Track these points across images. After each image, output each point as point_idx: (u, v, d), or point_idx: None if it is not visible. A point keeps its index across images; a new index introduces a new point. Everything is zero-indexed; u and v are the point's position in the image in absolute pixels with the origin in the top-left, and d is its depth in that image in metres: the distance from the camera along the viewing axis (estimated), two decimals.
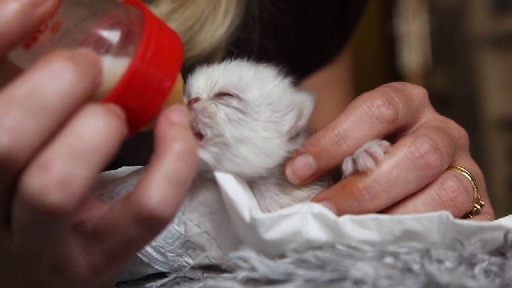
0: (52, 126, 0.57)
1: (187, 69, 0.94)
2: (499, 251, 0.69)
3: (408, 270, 0.63)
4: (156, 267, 0.75)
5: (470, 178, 0.75)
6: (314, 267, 0.64)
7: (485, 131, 3.36)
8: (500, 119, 3.34)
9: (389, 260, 0.65)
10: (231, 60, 0.78)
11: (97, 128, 0.58)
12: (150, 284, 0.74)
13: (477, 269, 0.65)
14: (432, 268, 0.63)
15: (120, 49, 0.64)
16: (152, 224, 0.60)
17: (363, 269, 0.62)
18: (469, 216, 0.76)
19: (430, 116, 0.79)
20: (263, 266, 0.65)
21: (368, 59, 3.33)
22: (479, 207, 0.76)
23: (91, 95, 0.60)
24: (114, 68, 0.63)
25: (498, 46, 3.35)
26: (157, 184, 0.59)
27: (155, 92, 0.64)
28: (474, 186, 0.75)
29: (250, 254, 0.66)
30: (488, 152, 3.34)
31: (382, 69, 3.51)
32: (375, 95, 0.74)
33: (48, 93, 0.57)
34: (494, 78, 3.36)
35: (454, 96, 3.47)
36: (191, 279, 0.74)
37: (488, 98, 3.37)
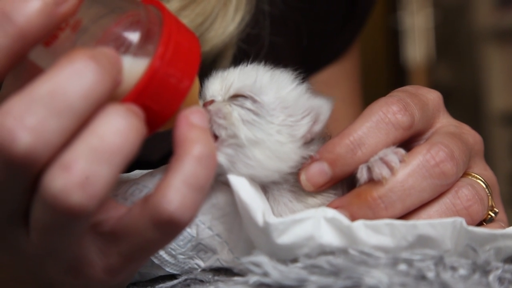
0: (74, 125, 0.57)
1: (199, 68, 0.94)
2: None
3: (422, 277, 0.63)
4: (167, 269, 0.74)
5: (484, 186, 0.75)
6: (328, 273, 0.64)
7: (488, 125, 3.36)
8: (504, 114, 3.34)
9: (403, 267, 0.64)
10: (245, 61, 0.77)
11: (119, 129, 0.58)
12: (160, 285, 0.74)
13: (491, 277, 0.65)
14: (446, 275, 0.63)
15: (140, 49, 0.63)
16: (170, 227, 0.60)
17: (377, 276, 0.62)
18: (483, 224, 0.75)
19: (445, 121, 0.78)
20: (275, 271, 0.65)
21: (372, 52, 3.32)
22: (493, 215, 0.76)
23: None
24: (133, 67, 0.62)
25: (502, 40, 3.34)
26: (177, 188, 0.59)
27: (174, 92, 0.64)
28: (488, 194, 0.75)
29: (263, 259, 0.65)
30: (491, 146, 3.34)
31: (386, 62, 3.51)
32: (391, 101, 0.73)
33: (71, 92, 0.56)
34: (498, 72, 3.35)
35: (457, 91, 3.47)
36: (201, 281, 0.73)
37: (491, 93, 3.36)
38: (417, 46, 3.36)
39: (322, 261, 0.65)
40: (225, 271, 0.74)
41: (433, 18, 3.48)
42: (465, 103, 3.43)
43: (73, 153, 0.56)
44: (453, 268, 0.64)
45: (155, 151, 0.92)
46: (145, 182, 0.73)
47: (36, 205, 0.59)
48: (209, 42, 0.98)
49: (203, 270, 0.74)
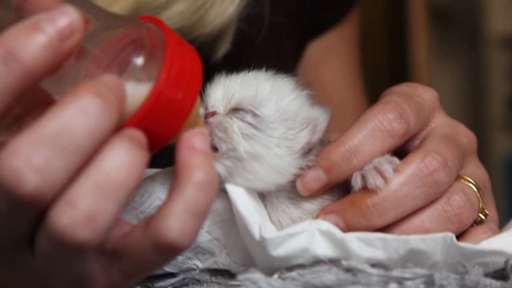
0: (79, 163, 0.58)
1: (198, 47, 0.94)
2: (502, 275, 0.71)
3: None
4: (165, 268, 0.77)
5: (476, 190, 0.77)
6: None
7: (486, 48, 3.35)
8: (503, 37, 3.33)
9: (393, 286, 0.67)
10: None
11: (123, 164, 0.59)
12: (159, 283, 0.76)
13: None
14: None
15: (142, 72, 0.64)
16: (171, 252, 0.63)
17: None
18: (474, 225, 0.77)
19: (440, 120, 0.80)
20: None
21: None
22: (483, 217, 0.78)
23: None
24: (136, 91, 0.63)
25: None
26: (177, 215, 0.61)
27: (176, 115, 0.65)
28: (479, 197, 0.77)
29: (258, 276, 0.68)
30: (488, 69, 3.34)
31: None
32: (387, 109, 0.74)
33: (77, 131, 0.57)
34: None
35: (456, 13, 3.44)
36: (199, 281, 0.76)
37: (491, 15, 3.34)
38: None
39: (316, 280, 0.67)
40: (222, 273, 0.76)
41: None
42: (463, 25, 3.40)
43: (79, 189, 0.58)
44: (442, 287, 0.67)
45: None
46: (146, 186, 0.75)
47: (42, 236, 0.60)
48: (209, 23, 0.98)
49: (201, 270, 0.77)
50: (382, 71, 3.21)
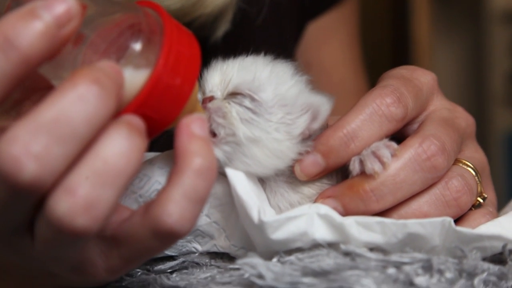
0: (78, 150, 0.58)
1: (198, 27, 0.93)
2: (499, 259, 0.71)
3: (410, 283, 0.66)
4: (165, 251, 0.77)
5: (474, 173, 0.77)
6: (320, 276, 0.67)
7: (488, 23, 3.33)
8: (504, 12, 3.31)
9: (391, 271, 0.67)
10: (247, 54, 0.77)
11: (121, 151, 0.59)
12: (159, 266, 0.77)
13: (476, 280, 0.67)
14: (433, 281, 0.66)
15: (141, 58, 0.64)
16: (170, 238, 0.63)
17: (367, 286, 0.65)
18: (472, 209, 0.78)
19: (438, 103, 0.80)
20: (269, 272, 0.67)
21: None
22: (481, 200, 0.78)
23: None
24: (134, 78, 0.63)
25: None
26: (176, 201, 0.61)
27: (174, 101, 0.65)
28: (478, 181, 0.77)
29: (257, 260, 0.68)
30: (490, 45, 3.33)
31: None
32: (385, 93, 0.74)
33: (75, 118, 0.57)
34: None
35: None
36: (198, 264, 0.76)
37: None
38: None
39: (314, 265, 0.67)
40: (221, 256, 0.77)
41: None
42: (465, 0, 3.39)
43: (78, 177, 0.58)
44: (440, 271, 0.67)
45: None
46: (145, 170, 0.75)
47: (41, 223, 0.61)
48: (210, 4, 0.98)
49: (201, 253, 0.77)
50: (383, 46, 3.20)
